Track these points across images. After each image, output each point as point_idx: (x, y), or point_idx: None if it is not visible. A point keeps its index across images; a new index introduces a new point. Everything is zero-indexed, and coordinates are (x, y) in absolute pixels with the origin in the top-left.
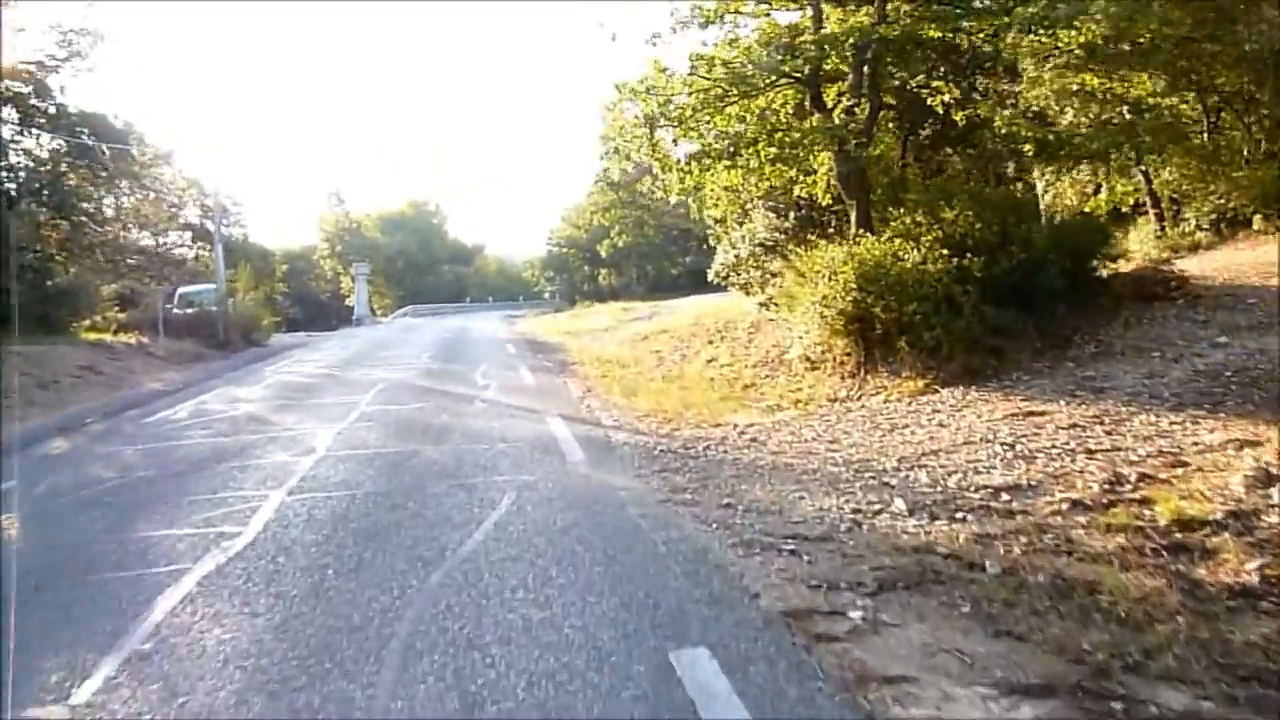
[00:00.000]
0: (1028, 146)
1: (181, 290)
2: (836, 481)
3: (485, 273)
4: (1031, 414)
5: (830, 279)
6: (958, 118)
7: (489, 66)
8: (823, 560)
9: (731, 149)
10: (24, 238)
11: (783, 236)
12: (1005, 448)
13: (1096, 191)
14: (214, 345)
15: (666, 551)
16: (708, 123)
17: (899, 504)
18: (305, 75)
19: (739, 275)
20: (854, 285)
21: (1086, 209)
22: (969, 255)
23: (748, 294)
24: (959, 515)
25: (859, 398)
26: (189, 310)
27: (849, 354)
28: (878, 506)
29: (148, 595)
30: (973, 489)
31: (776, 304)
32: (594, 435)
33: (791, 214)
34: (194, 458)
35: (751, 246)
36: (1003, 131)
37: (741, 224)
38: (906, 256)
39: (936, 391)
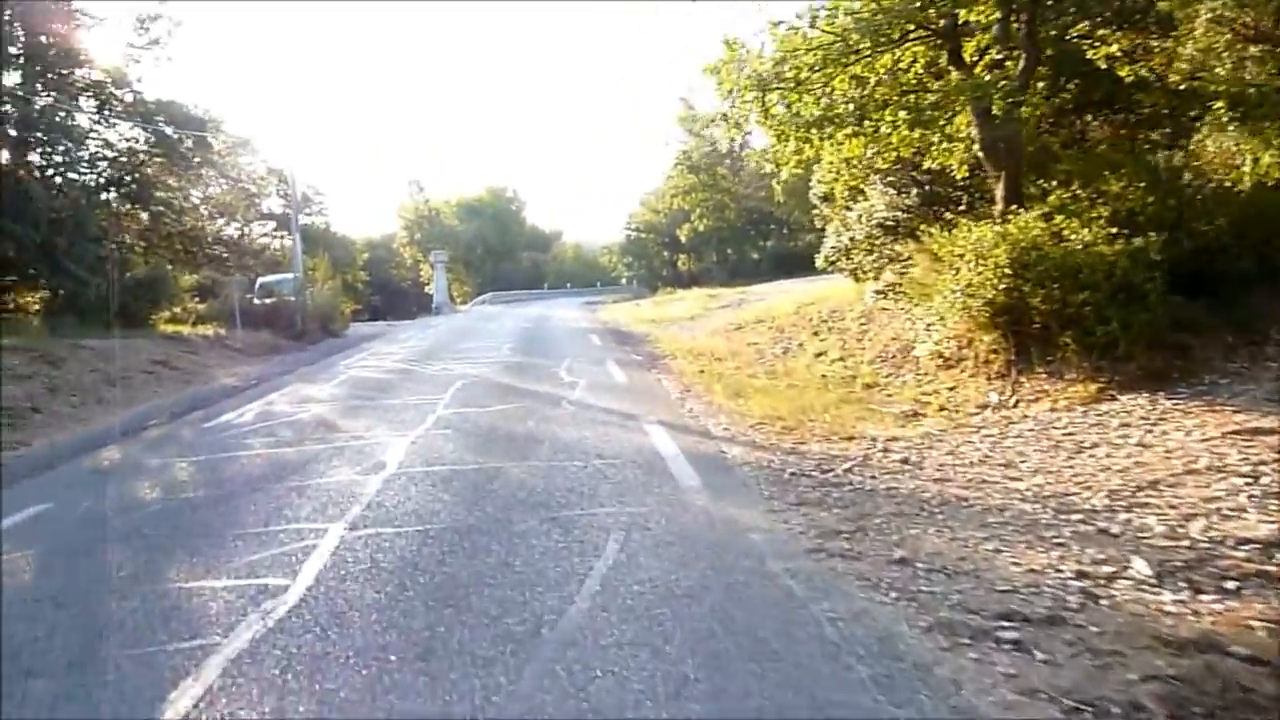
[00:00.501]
0: (1219, 104)
1: (261, 280)
2: (1035, 525)
3: (563, 259)
4: (1259, 432)
5: (976, 263)
6: (1124, 73)
7: (568, 51)
8: (1065, 660)
9: (859, 114)
10: (103, 229)
11: (905, 215)
12: (1246, 480)
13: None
14: (291, 336)
15: (839, 639)
16: (824, 86)
17: (1139, 565)
18: (388, 65)
19: (851, 259)
20: (1007, 270)
21: (1229, 182)
22: (1145, 235)
23: (857, 280)
24: (1231, 586)
25: (1015, 404)
26: (267, 300)
27: (996, 351)
28: (1109, 568)
29: (156, 689)
30: (1230, 542)
31: (903, 292)
32: (704, 450)
33: (913, 190)
34: (251, 474)
35: (868, 227)
36: (1180, 87)
37: (854, 203)
38: (1073, 236)
39: (1114, 399)
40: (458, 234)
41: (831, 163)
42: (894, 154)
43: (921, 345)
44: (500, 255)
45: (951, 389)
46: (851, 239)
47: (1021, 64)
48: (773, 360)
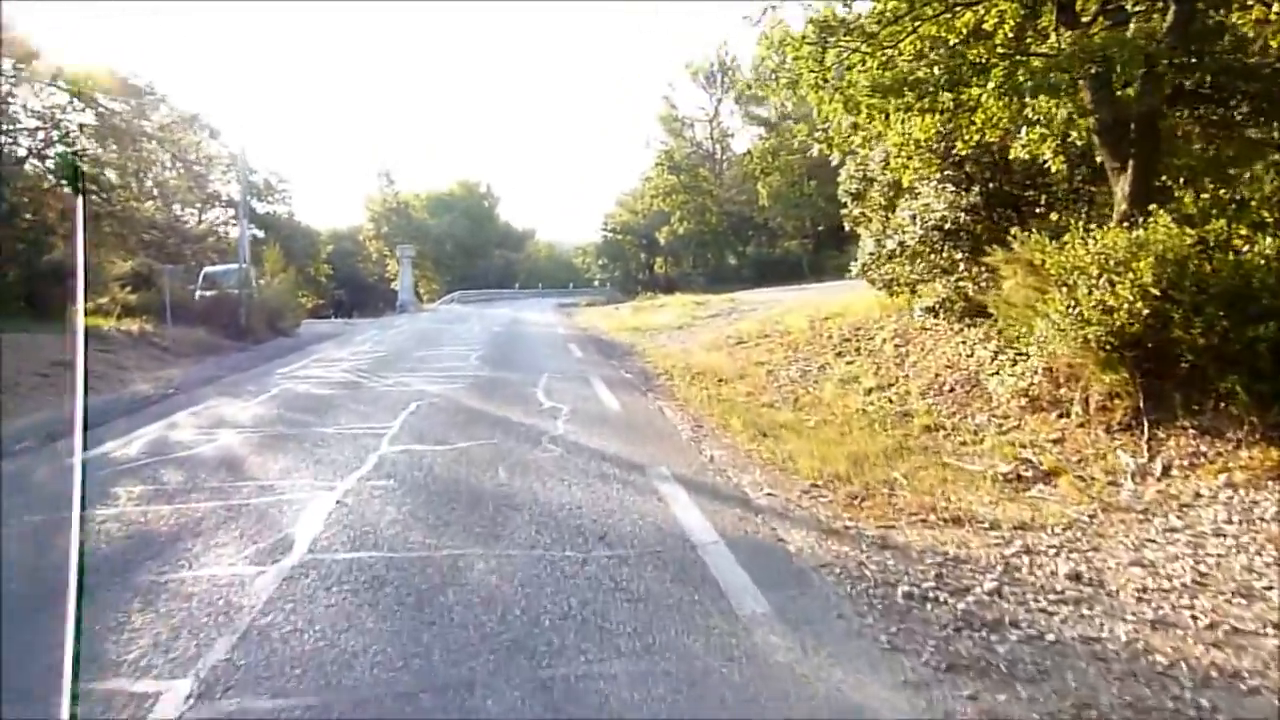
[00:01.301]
0: None
1: (207, 270)
2: None
3: (536, 259)
4: None
5: (1103, 279)
6: (1275, 43)
7: (546, 48)
8: None
9: (950, 79)
10: (18, 205)
11: (968, 218)
12: None
13: None
14: (233, 335)
15: None
16: (893, 46)
17: None
18: (362, 54)
19: (889, 268)
20: (1153, 290)
21: None
22: None
23: (892, 293)
24: None
25: (1166, 472)
26: (209, 293)
27: (1118, 395)
28: None
29: None
30: None
31: (964, 308)
32: (751, 533)
33: (975, 188)
34: (94, 559)
35: (923, 230)
36: None
37: (899, 201)
38: (1248, 249)
39: None
40: (427, 229)
41: (899, 145)
42: (975, 137)
43: (998, 379)
44: (471, 252)
45: (1055, 441)
46: (901, 244)
47: (1171, 17)
48: (792, 386)
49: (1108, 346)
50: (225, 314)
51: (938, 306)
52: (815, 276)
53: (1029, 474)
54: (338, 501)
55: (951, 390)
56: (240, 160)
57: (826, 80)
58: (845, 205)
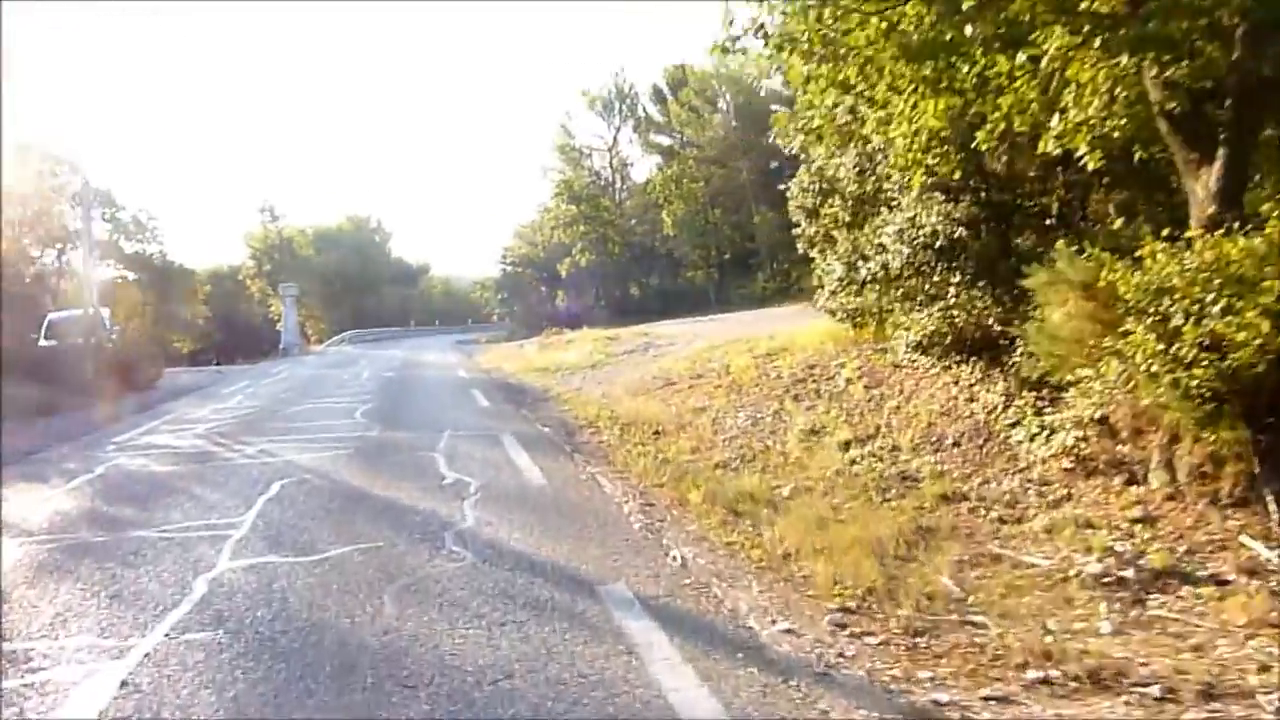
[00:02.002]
0: None
1: (51, 317)
2: None
3: (431, 295)
4: None
5: (1204, 304)
6: None
7: (438, 77)
8: None
9: (990, 42)
10: None
11: (965, 233)
12: None
13: None
14: (74, 391)
15: None
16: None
17: None
18: (242, 83)
19: (868, 296)
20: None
21: None
22: None
23: (857, 325)
24: None
25: None
26: (50, 344)
27: (1222, 457)
28: None
29: None
30: None
31: (1030, 347)
32: None
33: (965, 198)
34: None
35: (910, 248)
36: None
37: (861, 221)
38: None
39: None
40: (313, 266)
41: (908, 136)
42: (1000, 125)
43: (1022, 431)
44: (362, 289)
45: (1141, 522)
46: (885, 266)
47: None
48: (745, 439)
49: (1210, 393)
50: (69, 367)
51: (925, 341)
52: (722, 306)
53: (1131, 574)
54: (124, 683)
55: (957, 445)
56: (84, 189)
57: (823, 46)
58: (798, 224)
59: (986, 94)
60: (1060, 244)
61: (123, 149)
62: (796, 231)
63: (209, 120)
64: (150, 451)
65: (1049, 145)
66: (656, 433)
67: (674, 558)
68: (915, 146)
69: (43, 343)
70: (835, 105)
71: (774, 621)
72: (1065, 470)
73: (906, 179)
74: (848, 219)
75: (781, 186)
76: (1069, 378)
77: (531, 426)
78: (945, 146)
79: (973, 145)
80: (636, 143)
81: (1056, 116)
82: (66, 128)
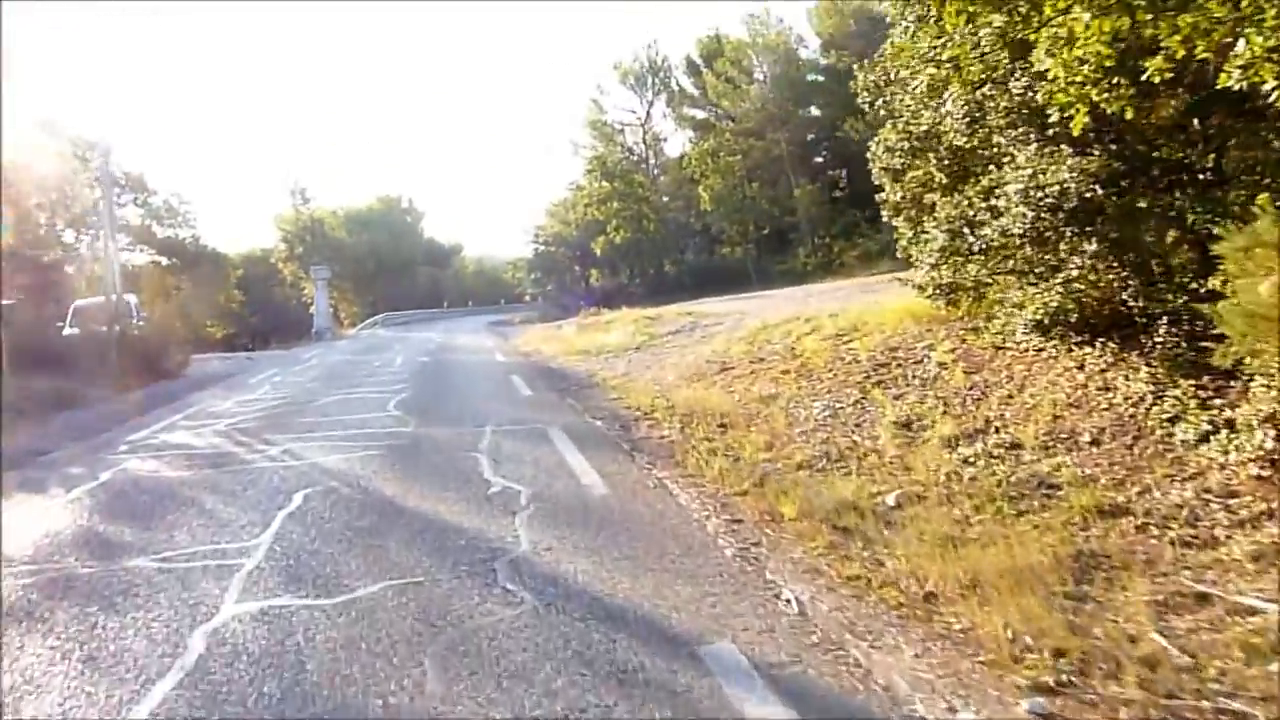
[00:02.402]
0: None
1: (77, 304)
2: None
3: (464, 275)
4: None
5: None
6: None
7: (467, 56)
8: None
9: None
10: None
11: (1101, 191)
12: None
13: None
14: (97, 381)
15: None
16: None
17: None
18: (273, 66)
19: (974, 268)
20: None
21: None
22: None
23: (952, 302)
24: None
25: None
26: (74, 331)
27: None
28: None
29: None
30: None
31: (1224, 329)
32: None
33: (1095, 150)
34: None
35: (1036, 210)
36: None
37: (958, 183)
38: None
39: None
40: (345, 247)
41: (1068, 63)
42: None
43: (1191, 430)
44: (394, 271)
45: None
46: (1004, 232)
47: None
48: (826, 433)
49: None
50: (92, 357)
51: (1047, 319)
52: (761, 283)
53: None
54: None
55: (1096, 444)
56: (104, 169)
57: None
58: (880, 188)
59: (1164, 13)
60: (1263, 199)
61: (156, 134)
62: (880, 197)
63: (241, 104)
64: (164, 453)
65: (1231, 78)
66: (723, 426)
67: (787, 600)
68: (1081, 77)
69: (67, 331)
70: (976, 31)
71: (953, 710)
72: (1256, 479)
73: (1066, 117)
74: (944, 180)
75: (819, 159)
76: (1256, 365)
77: (581, 419)
78: (1114, 78)
79: (1143, 77)
80: (670, 117)
81: (1241, 43)
82: (97, 111)
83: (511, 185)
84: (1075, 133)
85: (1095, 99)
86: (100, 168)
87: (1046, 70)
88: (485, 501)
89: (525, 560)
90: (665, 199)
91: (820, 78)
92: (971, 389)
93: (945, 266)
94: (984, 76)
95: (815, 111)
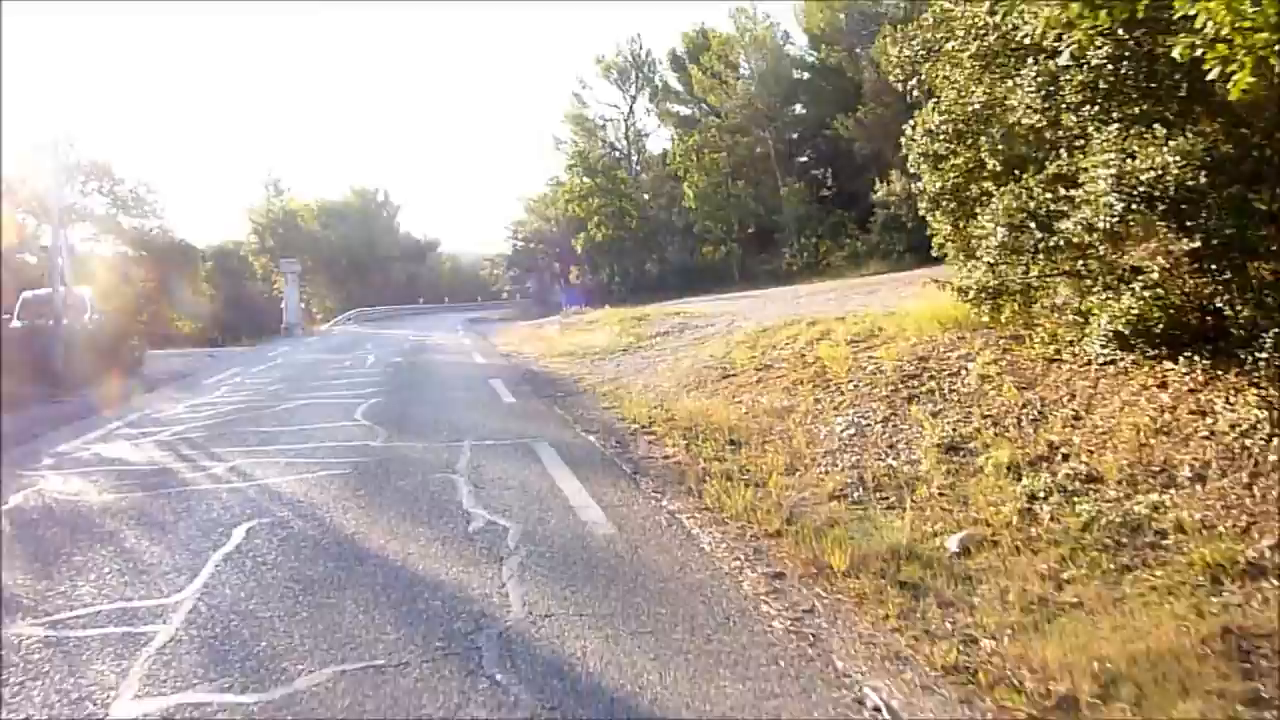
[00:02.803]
0: None
1: (25, 296)
2: None
3: (440, 271)
4: None
5: None
6: None
7: (445, 47)
8: None
9: None
10: None
11: (1205, 180)
12: None
13: None
14: (40, 380)
15: None
16: None
17: None
18: (246, 54)
19: (1021, 269)
20: None
21: None
22: None
23: (1000, 308)
24: None
25: None
26: (16, 325)
27: None
28: None
29: None
30: None
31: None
32: None
33: (1189, 133)
34: None
35: (1121, 201)
36: None
37: (1016, 170)
38: None
39: None
40: (318, 241)
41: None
42: None
43: None
44: (369, 266)
45: None
46: (1088, 226)
47: None
48: (857, 455)
49: None
50: (38, 352)
51: (1131, 329)
52: (745, 283)
53: None
54: None
55: (1200, 480)
56: (58, 148)
57: None
58: (918, 176)
59: None
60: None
61: (126, 123)
62: (918, 187)
63: (214, 93)
64: (92, 469)
65: None
66: (734, 443)
67: (875, 710)
68: (1250, 23)
69: (14, 324)
70: None
71: None
72: None
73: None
74: (998, 167)
75: (804, 158)
76: None
77: (572, 432)
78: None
79: None
80: (653, 113)
81: None
82: (65, 98)
83: (490, 181)
84: (1233, 97)
85: (1263, 51)
86: (53, 146)
87: (1192, 18)
88: (466, 542)
89: (518, 634)
90: (647, 196)
91: (806, 74)
92: (1025, 407)
93: (1001, 266)
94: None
95: (801, 109)
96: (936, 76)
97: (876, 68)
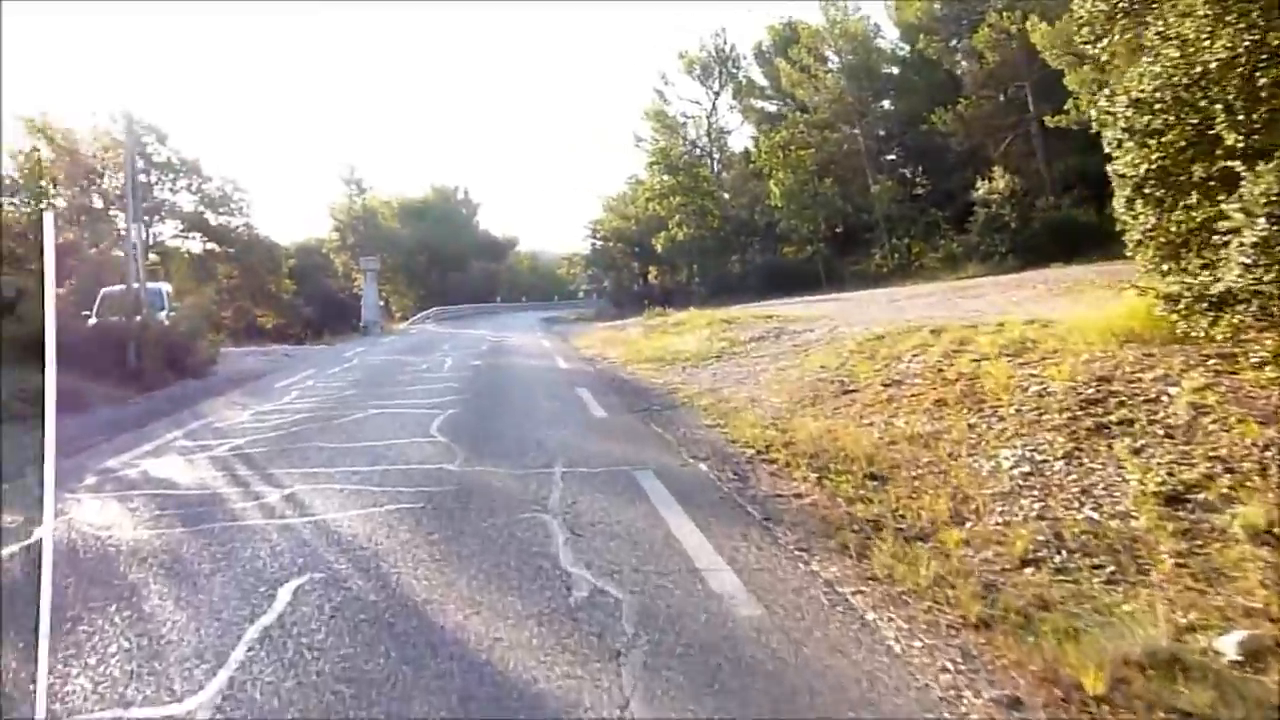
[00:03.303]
0: None
1: (105, 292)
2: None
3: (518, 270)
4: None
5: None
6: None
7: (526, 45)
8: None
9: None
10: None
11: None
12: None
13: None
14: (111, 379)
15: None
16: None
17: None
18: (330, 54)
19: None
20: None
21: None
22: None
23: (1214, 323)
24: None
25: None
26: (94, 322)
27: None
28: None
29: None
30: None
31: None
32: None
33: None
34: None
35: None
36: None
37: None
38: None
39: None
40: (398, 239)
41: None
42: None
43: None
44: (447, 264)
45: None
46: None
47: None
48: (1040, 500)
49: None
50: (113, 350)
51: None
52: (834, 285)
53: None
54: None
55: None
56: (129, 142)
57: None
58: (1116, 157)
59: None
60: None
61: (216, 123)
62: (1116, 165)
63: (299, 92)
64: (135, 492)
65: None
66: (875, 478)
67: None
68: None
69: (93, 320)
70: None
71: None
72: None
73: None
74: (1239, 141)
75: (894, 155)
76: None
77: (677, 457)
78: None
79: None
80: (736, 109)
81: None
82: (155, 97)
83: (569, 179)
84: None
85: None
86: (127, 136)
87: None
88: (568, 622)
89: None
90: (728, 196)
91: (897, 69)
92: (1270, 449)
93: (1258, 268)
94: None
95: (891, 105)
96: (1147, 32)
97: (979, 58)
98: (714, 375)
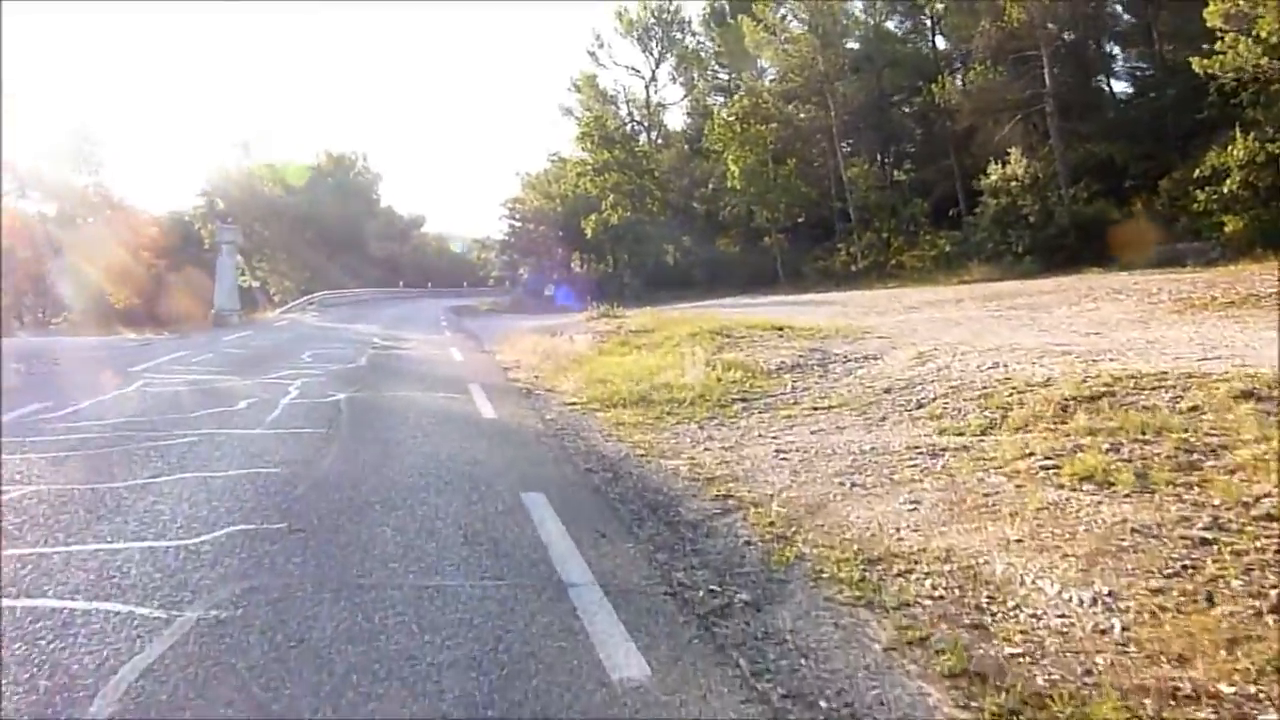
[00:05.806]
0: None
1: None
2: None
3: (425, 252)
4: None
5: None
6: None
7: (446, 18)
8: None
9: None
10: None
11: None
12: None
13: None
14: None
15: None
16: None
17: None
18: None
19: None
20: None
21: None
22: None
23: None
24: None
25: None
26: None
27: None
28: None
29: None
30: None
31: None
32: None
33: None
34: None
35: None
36: None
37: None
38: None
39: None
40: (280, 209)
41: None
42: None
43: None
44: (342, 242)
45: None
46: None
47: None
48: None
49: None
50: None
51: None
52: (793, 283)
53: None
54: None
55: None
56: None
57: None
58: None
59: None
60: None
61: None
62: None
63: (188, 53)
64: None
65: None
66: None
67: None
68: None
69: None
70: None
71: None
72: None
73: None
74: None
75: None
76: None
77: None
78: None
79: None
80: (679, 81)
81: None
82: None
83: (485, 155)
84: None
85: None
86: None
87: None
88: None
89: None
90: (670, 176)
91: (876, 38)
92: None
93: None
94: None
95: (870, 76)
96: None
97: (996, 20)
98: (777, 454)
